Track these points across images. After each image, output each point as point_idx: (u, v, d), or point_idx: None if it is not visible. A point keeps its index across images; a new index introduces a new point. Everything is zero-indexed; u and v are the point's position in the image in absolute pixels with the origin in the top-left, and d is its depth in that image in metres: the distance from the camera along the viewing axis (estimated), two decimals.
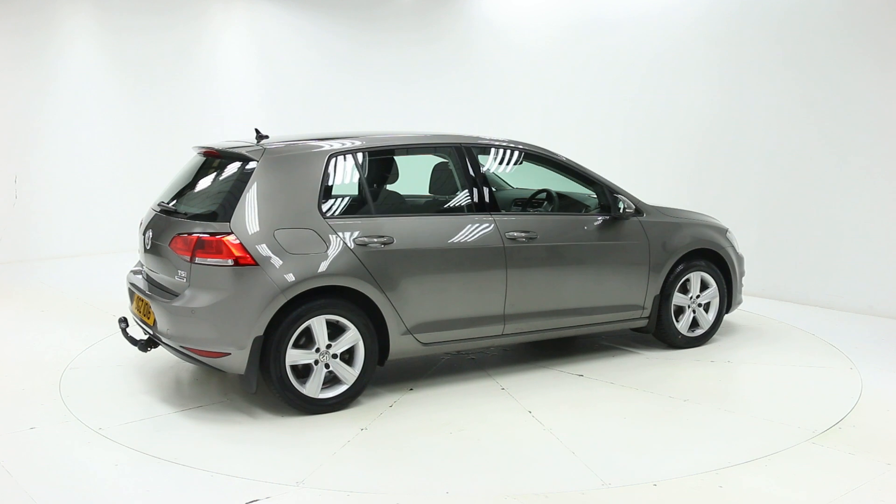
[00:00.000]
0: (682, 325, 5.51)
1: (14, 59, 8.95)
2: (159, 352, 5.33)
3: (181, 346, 4.27)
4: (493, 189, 5.31)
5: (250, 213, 4.20)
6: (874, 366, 5.22)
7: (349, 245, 4.33)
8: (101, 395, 4.70)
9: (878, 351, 5.60)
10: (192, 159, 4.99)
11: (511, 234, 4.79)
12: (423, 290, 4.53)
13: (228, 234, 4.13)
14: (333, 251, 4.29)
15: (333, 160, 4.51)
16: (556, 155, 5.25)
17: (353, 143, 4.66)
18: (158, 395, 4.71)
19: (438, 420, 4.27)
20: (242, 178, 4.34)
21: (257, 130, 4.84)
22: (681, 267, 5.43)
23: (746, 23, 7.31)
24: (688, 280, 5.48)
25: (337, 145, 4.58)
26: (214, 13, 10.60)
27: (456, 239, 4.65)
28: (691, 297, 5.53)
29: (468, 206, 4.83)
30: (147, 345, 4.61)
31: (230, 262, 4.09)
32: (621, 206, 5.18)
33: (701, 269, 5.51)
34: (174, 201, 4.67)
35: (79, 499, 3.41)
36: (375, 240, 4.40)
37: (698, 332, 5.61)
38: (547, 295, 4.98)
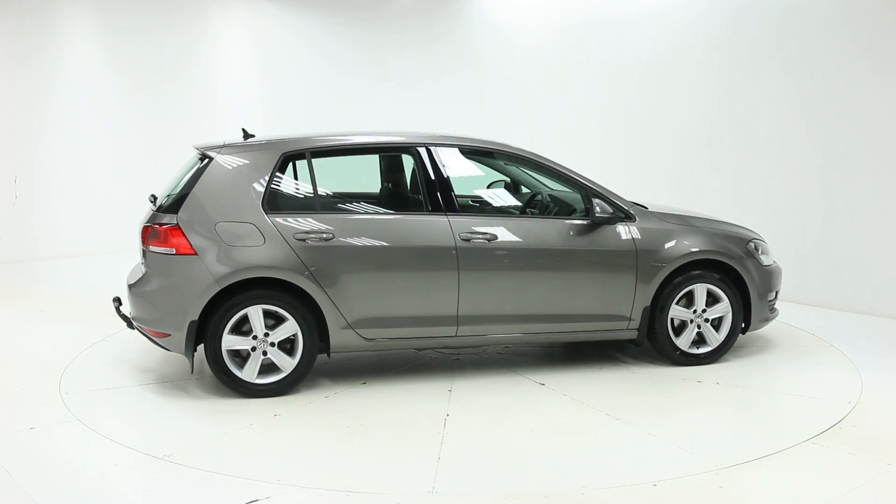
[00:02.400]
0: (683, 341, 5.11)
1: (14, 59, 8.96)
2: (160, 352, 5.39)
3: (139, 326, 4.73)
4: (517, 188, 5.41)
5: (196, 207, 4.56)
6: (874, 366, 5.21)
7: (287, 240, 4.53)
8: (101, 395, 4.70)
9: (878, 351, 5.59)
10: (192, 157, 5.12)
11: (466, 234, 4.75)
12: (364, 287, 4.63)
13: (174, 225, 4.51)
14: (270, 245, 4.52)
15: (285, 159, 4.74)
16: (533, 155, 5.08)
17: (308, 143, 4.82)
18: (159, 395, 4.71)
19: (352, 415, 4.36)
20: (197, 174, 4.68)
21: (244, 130, 5.07)
22: (681, 277, 5.04)
23: (746, 23, 7.31)
24: (692, 292, 5.08)
25: (292, 145, 4.78)
26: (214, 13, 10.60)
27: (402, 238, 4.68)
28: (695, 311, 5.12)
29: (423, 205, 4.83)
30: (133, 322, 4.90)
31: (172, 250, 4.49)
32: (597, 209, 4.89)
33: (708, 281, 5.08)
34: (161, 195, 4.91)
35: (79, 499, 3.41)
36: (315, 236, 4.56)
37: (705, 349, 5.17)
38: (508, 299, 4.84)
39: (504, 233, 4.83)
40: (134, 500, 3.41)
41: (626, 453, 3.88)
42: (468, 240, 4.73)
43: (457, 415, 4.37)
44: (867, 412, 4.39)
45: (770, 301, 5.34)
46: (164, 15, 10.06)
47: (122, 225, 9.46)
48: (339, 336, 4.65)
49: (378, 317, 4.68)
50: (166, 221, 4.54)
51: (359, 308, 4.63)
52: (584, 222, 4.96)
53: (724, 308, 5.15)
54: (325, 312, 4.59)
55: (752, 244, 5.29)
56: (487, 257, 4.76)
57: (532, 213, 5.29)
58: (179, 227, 4.50)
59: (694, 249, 5.05)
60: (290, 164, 4.81)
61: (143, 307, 4.63)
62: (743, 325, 5.26)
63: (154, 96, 10.05)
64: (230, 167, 4.67)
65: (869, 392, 4.70)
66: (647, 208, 5.25)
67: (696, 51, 7.77)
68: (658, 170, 8.21)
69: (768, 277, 5.29)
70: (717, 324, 5.20)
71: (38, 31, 9.09)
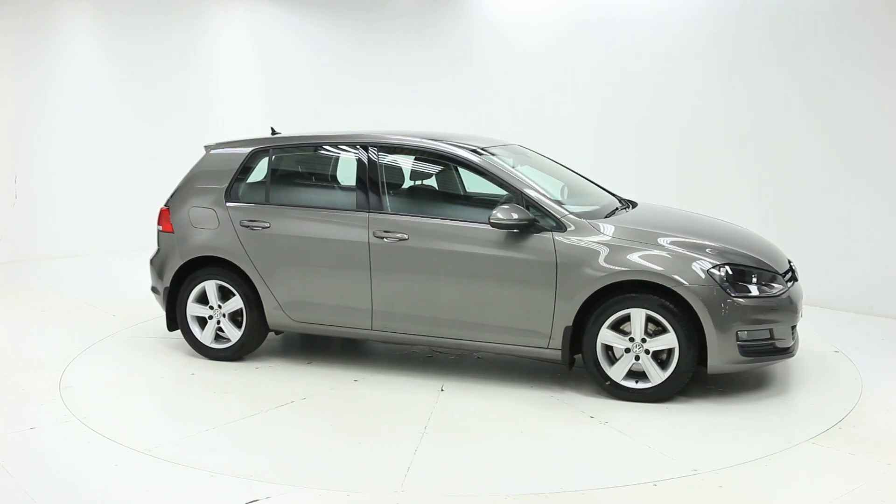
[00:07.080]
0: (616, 371, 4.47)
1: (14, 59, 8.95)
2: (158, 353, 5.46)
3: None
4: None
5: (182, 193, 5.45)
6: (874, 366, 5.21)
7: (234, 226, 5.18)
8: (101, 394, 4.70)
9: (878, 351, 5.59)
10: None
11: (379, 233, 4.84)
12: (291, 273, 5.10)
13: (166, 207, 5.47)
14: (221, 229, 5.23)
15: (253, 155, 5.35)
16: (470, 157, 4.84)
17: (272, 142, 5.37)
18: (158, 395, 4.73)
19: (236, 384, 4.85)
20: (192, 167, 5.53)
21: (272, 129, 5.69)
22: (615, 299, 4.43)
23: (744, 22, 7.31)
24: (631, 317, 4.41)
25: (261, 143, 5.38)
26: (214, 13, 10.60)
27: (322, 231, 5.02)
28: (631, 339, 4.43)
29: (352, 202, 5.04)
30: None
31: (160, 228, 5.47)
32: (498, 214, 4.50)
33: (647, 306, 4.36)
34: None
35: (79, 499, 3.42)
36: (256, 224, 5.12)
37: (644, 384, 4.45)
38: (420, 299, 4.81)
39: (417, 233, 4.77)
40: (134, 500, 3.41)
41: (347, 467, 3.74)
42: (381, 238, 4.84)
43: (312, 397, 4.64)
44: (867, 412, 4.39)
45: (748, 342, 4.39)
46: (164, 15, 10.05)
47: (122, 225, 9.49)
48: (272, 314, 5.16)
49: (303, 301, 5.09)
50: (166, 204, 5.48)
51: (287, 291, 5.09)
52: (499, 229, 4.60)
53: (669, 340, 4.37)
54: (259, 292, 5.14)
55: (720, 269, 4.38)
56: (398, 256, 4.82)
57: (424, 213, 4.94)
58: (168, 209, 5.44)
59: (615, 270, 4.40)
60: (258, 160, 5.35)
61: (150, 273, 5.59)
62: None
63: (154, 96, 10.04)
64: (213, 160, 5.44)
65: (869, 392, 4.70)
66: (633, 207, 5.24)
67: (696, 50, 7.76)
68: (658, 169, 8.20)
69: (740, 311, 4.33)
70: (661, 357, 4.46)
71: (38, 31, 9.08)
